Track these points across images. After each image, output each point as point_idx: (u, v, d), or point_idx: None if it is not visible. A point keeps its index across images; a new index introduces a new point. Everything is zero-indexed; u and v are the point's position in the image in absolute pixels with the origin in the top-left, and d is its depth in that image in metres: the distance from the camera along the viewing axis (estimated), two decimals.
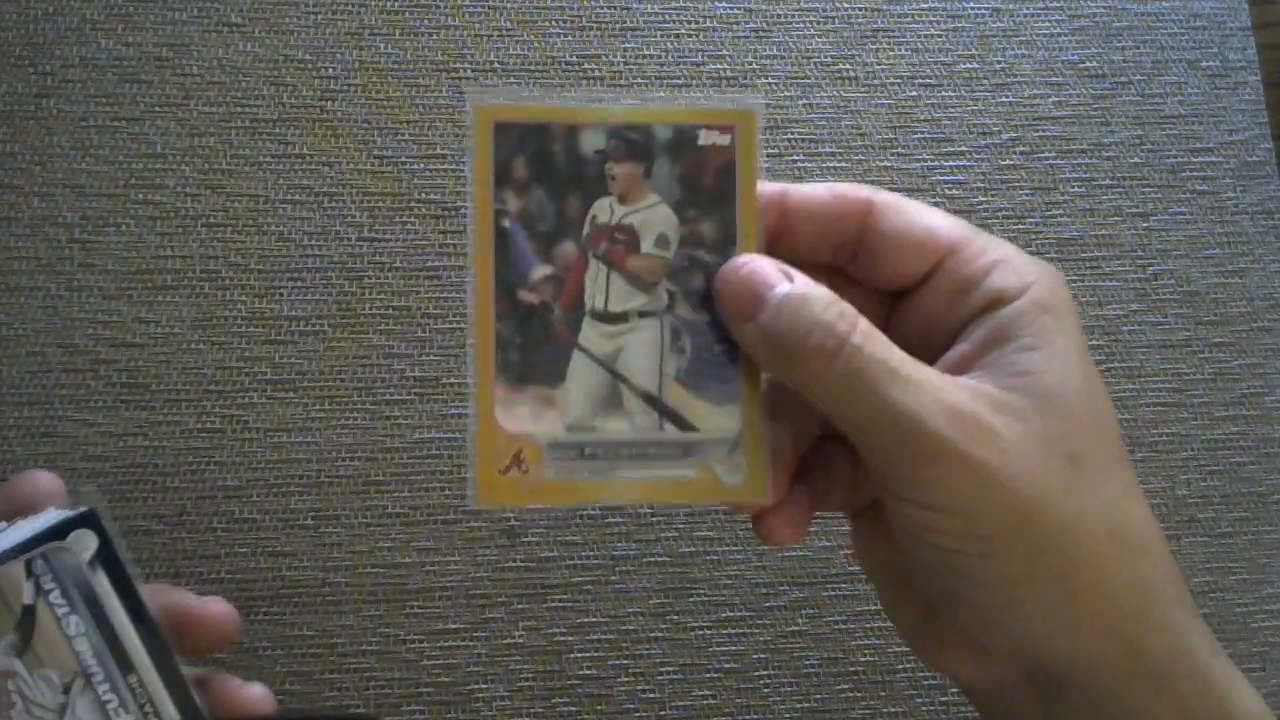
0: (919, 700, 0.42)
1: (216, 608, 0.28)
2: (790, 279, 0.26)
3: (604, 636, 0.41)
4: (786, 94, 0.48)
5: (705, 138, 0.27)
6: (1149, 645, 0.26)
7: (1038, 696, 0.27)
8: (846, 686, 0.42)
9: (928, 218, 0.28)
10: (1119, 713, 0.26)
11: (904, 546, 0.27)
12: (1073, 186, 0.48)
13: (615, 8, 0.48)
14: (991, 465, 0.24)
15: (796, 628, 0.42)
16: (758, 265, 0.26)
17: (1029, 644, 0.26)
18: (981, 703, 0.30)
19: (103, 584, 0.26)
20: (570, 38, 0.47)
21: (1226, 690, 0.26)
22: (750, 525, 0.30)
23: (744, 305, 0.26)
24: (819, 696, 0.41)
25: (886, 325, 0.29)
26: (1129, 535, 0.26)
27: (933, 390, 0.25)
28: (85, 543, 0.26)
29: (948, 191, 0.47)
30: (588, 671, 0.41)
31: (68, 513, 0.26)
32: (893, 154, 0.47)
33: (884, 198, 0.28)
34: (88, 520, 0.26)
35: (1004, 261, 0.27)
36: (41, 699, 0.26)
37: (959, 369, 0.27)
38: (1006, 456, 0.25)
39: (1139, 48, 0.50)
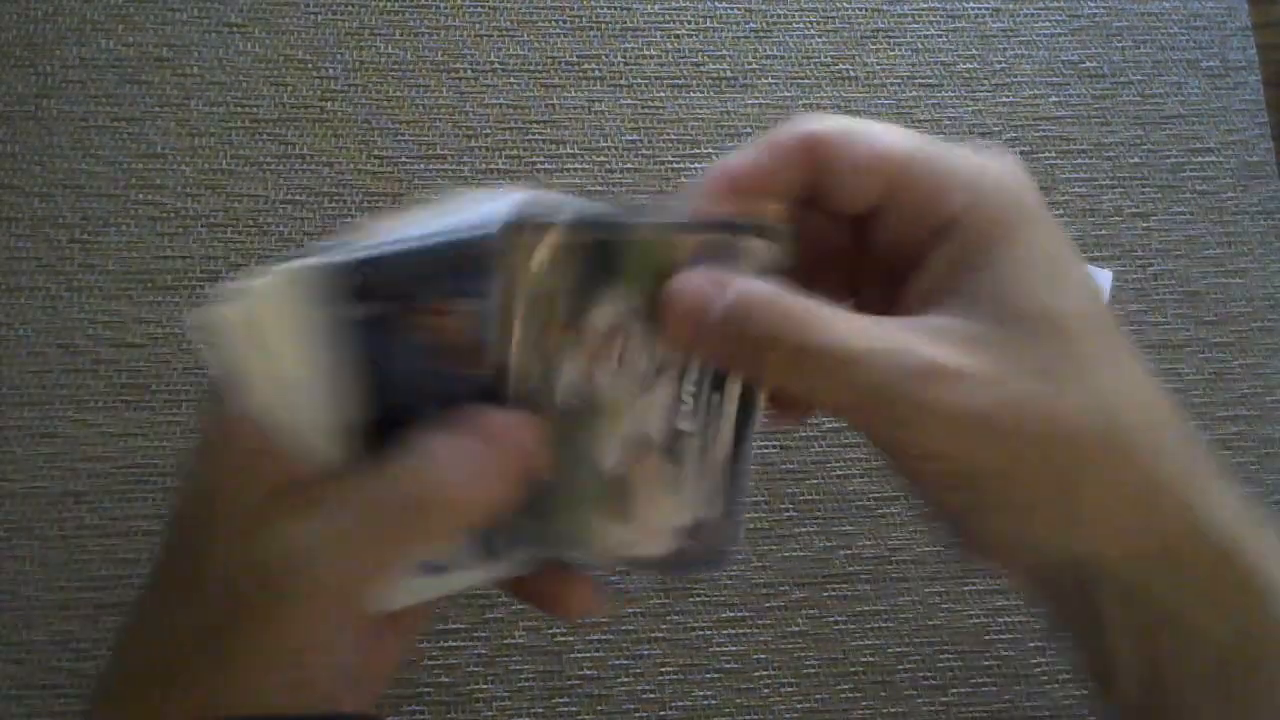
0: (919, 700, 0.42)
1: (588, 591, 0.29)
2: (724, 288, 0.25)
3: (604, 636, 0.41)
4: (786, 94, 0.48)
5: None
6: (1167, 532, 0.25)
7: (1074, 586, 0.27)
8: (846, 686, 0.42)
9: (876, 140, 0.27)
10: (1150, 602, 0.26)
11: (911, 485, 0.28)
12: (1073, 186, 0.48)
13: (615, 8, 0.48)
14: (962, 407, 0.24)
15: (796, 628, 0.42)
16: (690, 285, 0.26)
17: (1048, 554, 0.26)
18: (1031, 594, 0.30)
19: None
20: (570, 38, 0.47)
21: (1255, 565, 0.26)
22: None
23: (688, 334, 0.26)
24: (819, 696, 0.41)
25: (858, 250, 0.28)
26: (1118, 429, 0.25)
27: (889, 353, 0.24)
28: (756, 252, 0.26)
29: None
30: (588, 671, 0.41)
31: (754, 221, 0.26)
32: None
33: (826, 130, 0.27)
34: (763, 233, 0.26)
35: (950, 177, 0.26)
36: (635, 366, 0.26)
37: (924, 302, 0.26)
38: (973, 394, 0.24)
39: (1139, 48, 0.50)
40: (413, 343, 0.26)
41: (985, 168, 0.26)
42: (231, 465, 0.27)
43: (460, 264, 0.25)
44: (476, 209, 0.26)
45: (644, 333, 0.26)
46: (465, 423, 0.25)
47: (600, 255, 0.25)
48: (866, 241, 0.28)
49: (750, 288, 0.25)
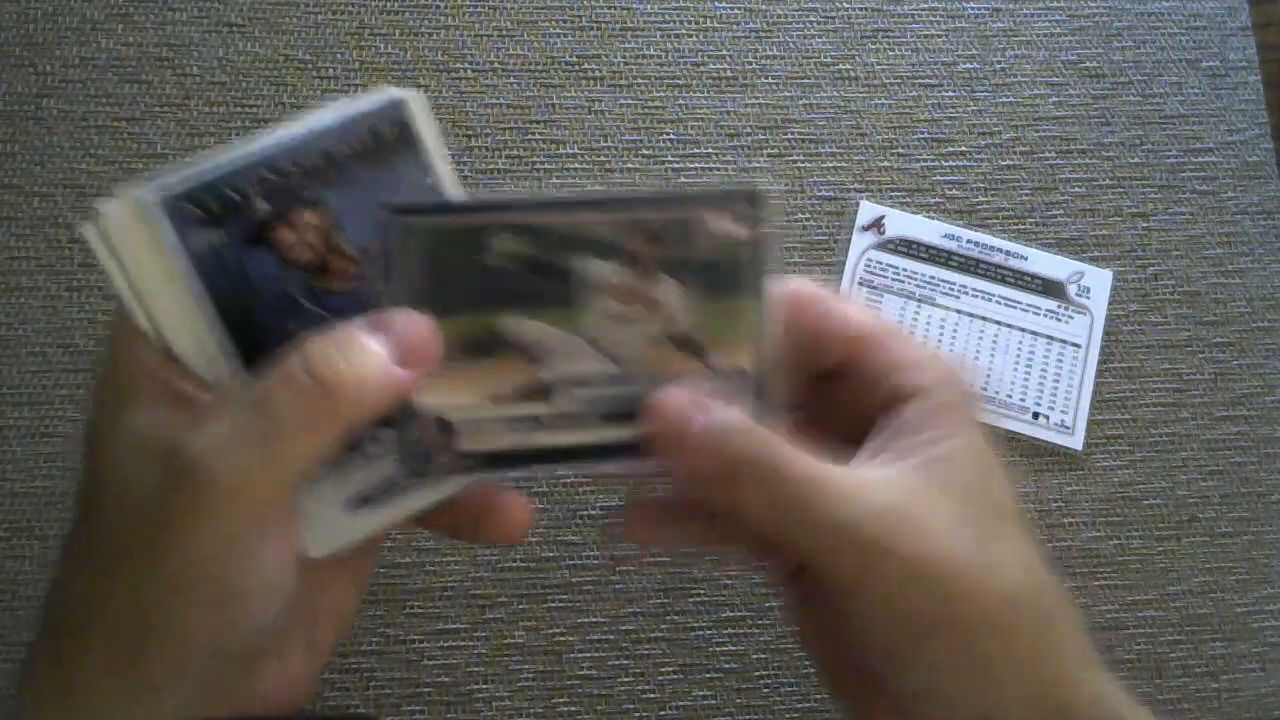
0: None
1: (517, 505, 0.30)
2: (706, 409, 0.27)
3: (604, 636, 0.41)
4: (786, 94, 0.48)
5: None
6: (1075, 706, 0.27)
7: None
8: None
9: (844, 312, 0.30)
10: None
11: (845, 635, 0.29)
12: (1073, 186, 0.48)
13: (615, 8, 0.48)
14: (921, 554, 0.26)
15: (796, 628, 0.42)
16: (673, 400, 0.27)
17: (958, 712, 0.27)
18: None
19: None
20: (570, 38, 0.47)
21: None
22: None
23: (670, 442, 0.27)
24: (819, 696, 0.41)
25: (817, 402, 0.31)
26: (1040, 604, 0.28)
27: (857, 496, 0.26)
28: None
29: (948, 191, 0.47)
30: (588, 671, 0.41)
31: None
32: (893, 154, 0.47)
33: (807, 292, 0.30)
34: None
35: (901, 361, 0.29)
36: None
37: (873, 456, 0.29)
38: (932, 543, 0.26)
39: (1139, 48, 0.50)
40: (268, 261, 0.27)
41: (934, 357, 0.30)
42: (120, 385, 0.27)
43: (315, 163, 0.26)
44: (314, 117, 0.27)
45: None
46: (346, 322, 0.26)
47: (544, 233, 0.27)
48: (828, 398, 0.31)
49: (726, 415, 0.27)
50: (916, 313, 0.45)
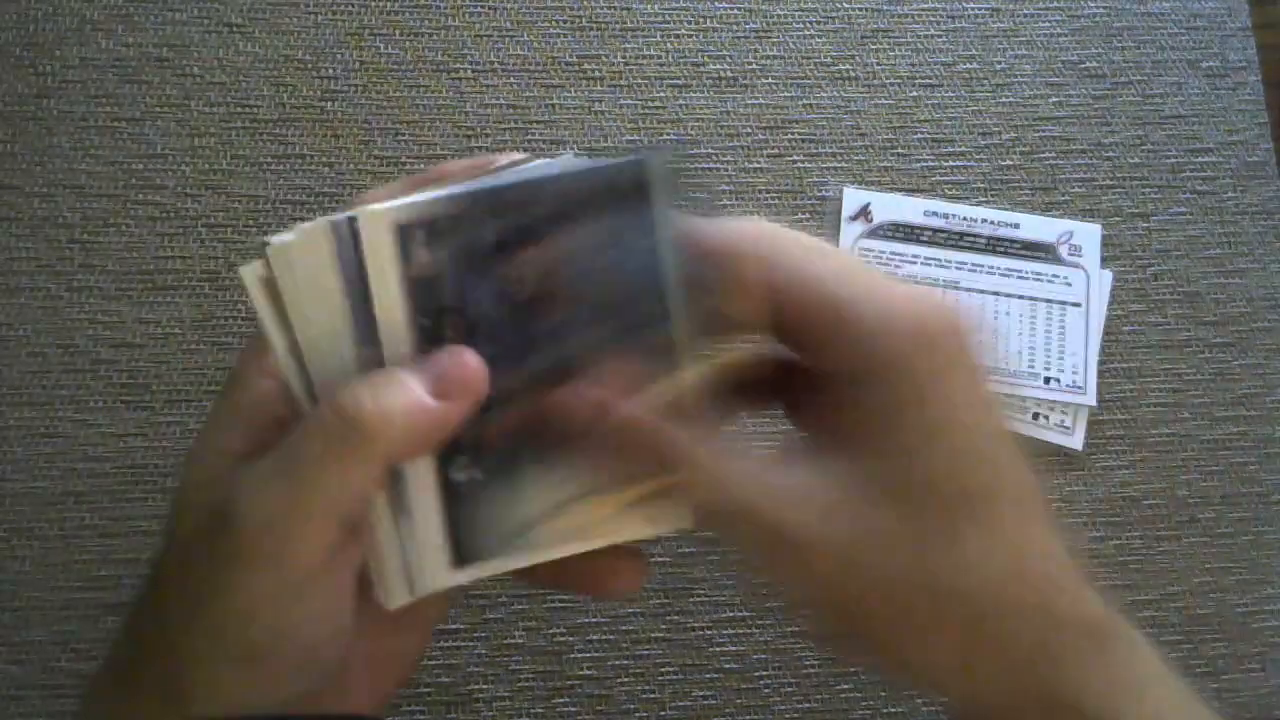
0: (919, 700, 0.42)
1: None
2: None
3: (604, 636, 0.41)
4: (786, 94, 0.48)
5: None
6: (1056, 692, 0.25)
7: None
8: (846, 686, 0.42)
9: (811, 272, 0.27)
10: None
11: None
12: (1073, 186, 0.48)
13: (615, 8, 0.48)
14: (847, 547, 0.24)
15: (796, 628, 0.42)
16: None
17: (945, 693, 0.26)
18: None
19: None
20: (570, 38, 0.47)
21: None
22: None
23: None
24: (819, 696, 0.41)
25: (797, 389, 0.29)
26: (1005, 590, 0.25)
27: (776, 513, 0.25)
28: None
29: (948, 191, 0.47)
30: (588, 671, 0.41)
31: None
32: (893, 154, 0.47)
33: (774, 244, 0.28)
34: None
35: (857, 325, 0.26)
36: None
37: (844, 438, 0.26)
38: (854, 537, 0.24)
39: (1139, 48, 0.50)
40: (487, 291, 0.26)
41: (893, 316, 0.25)
42: (225, 408, 0.26)
43: (571, 200, 0.26)
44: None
45: None
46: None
47: None
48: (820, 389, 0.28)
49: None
50: None
